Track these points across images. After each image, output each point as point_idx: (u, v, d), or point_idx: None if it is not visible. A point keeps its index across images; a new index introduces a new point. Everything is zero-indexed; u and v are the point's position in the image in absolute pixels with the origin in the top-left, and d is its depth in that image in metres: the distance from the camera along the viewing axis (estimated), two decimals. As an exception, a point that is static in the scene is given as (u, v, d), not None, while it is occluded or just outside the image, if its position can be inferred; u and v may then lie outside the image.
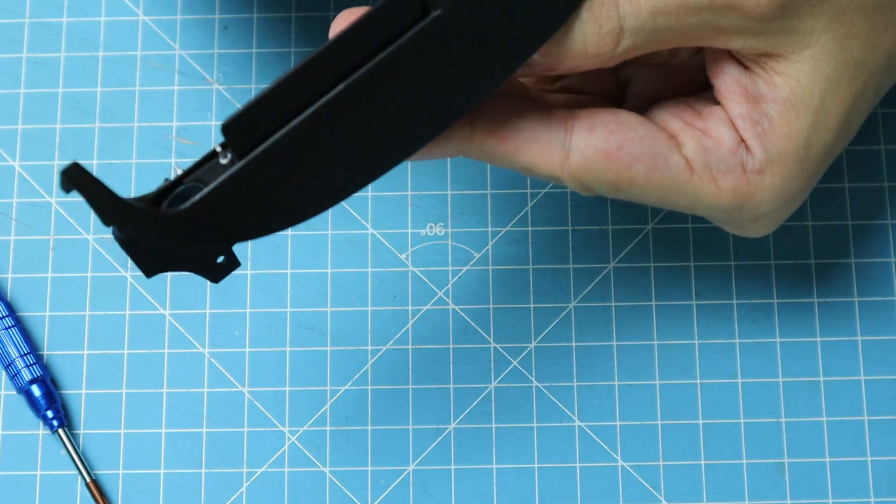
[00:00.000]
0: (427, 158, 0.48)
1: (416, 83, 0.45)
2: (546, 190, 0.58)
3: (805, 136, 0.47)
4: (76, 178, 0.43)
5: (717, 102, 0.49)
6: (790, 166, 0.48)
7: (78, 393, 0.56)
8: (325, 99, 0.45)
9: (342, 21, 0.47)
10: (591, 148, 0.47)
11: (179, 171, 0.46)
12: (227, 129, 0.44)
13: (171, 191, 0.46)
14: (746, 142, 0.47)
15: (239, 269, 0.57)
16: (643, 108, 0.50)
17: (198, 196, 0.45)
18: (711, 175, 0.48)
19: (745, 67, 0.47)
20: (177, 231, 0.45)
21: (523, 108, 0.48)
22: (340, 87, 0.45)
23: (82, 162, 0.58)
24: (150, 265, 0.47)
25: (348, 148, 0.45)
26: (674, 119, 0.48)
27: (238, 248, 0.57)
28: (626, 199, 0.48)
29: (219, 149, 0.45)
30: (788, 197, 0.48)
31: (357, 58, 0.45)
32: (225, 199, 0.45)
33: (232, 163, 0.45)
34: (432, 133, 0.46)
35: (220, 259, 0.48)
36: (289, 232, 0.57)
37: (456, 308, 0.57)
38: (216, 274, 0.48)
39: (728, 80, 0.48)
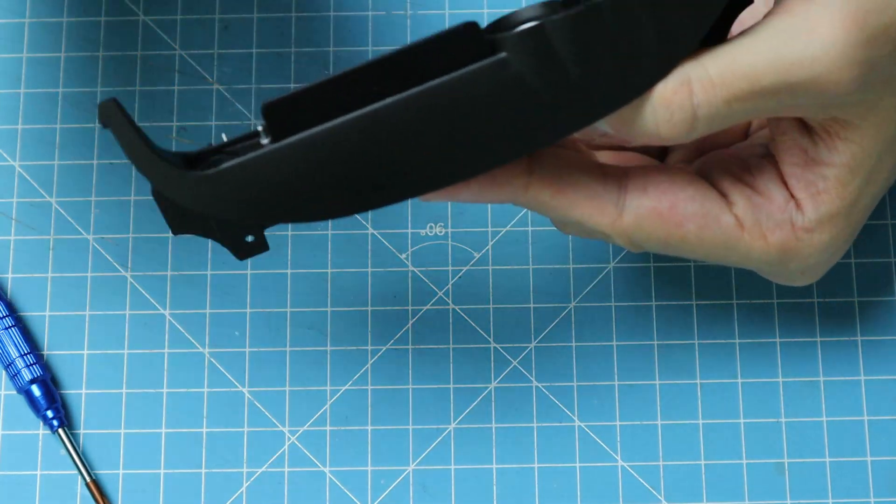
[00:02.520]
0: (478, 202, 0.48)
1: (467, 116, 0.45)
2: (546, 190, 0.58)
3: (857, 194, 0.47)
4: (111, 116, 0.43)
5: (765, 153, 0.49)
6: (839, 223, 0.48)
7: (78, 393, 0.56)
8: (372, 107, 0.44)
9: None
10: (643, 207, 0.47)
11: (225, 139, 0.46)
12: (267, 109, 0.44)
13: (208, 156, 0.46)
14: (798, 200, 0.47)
15: (239, 269, 0.57)
16: (689, 159, 0.51)
17: (225, 165, 0.45)
18: (761, 232, 0.48)
19: (808, 130, 0.47)
20: (198, 194, 0.45)
21: (578, 162, 0.48)
22: (389, 99, 0.44)
23: (84, 162, 0.58)
24: (179, 222, 0.47)
25: (385, 161, 0.45)
26: (723, 174, 0.48)
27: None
28: (675, 254, 0.48)
29: (260, 128, 0.45)
30: (835, 249, 0.49)
31: (414, 76, 0.44)
32: (252, 176, 0.45)
33: (267, 144, 0.45)
34: (474, 169, 0.46)
35: (250, 238, 0.47)
36: (289, 232, 0.57)
37: (456, 308, 0.57)
38: (242, 251, 0.48)
39: (788, 141, 0.47)
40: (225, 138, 0.47)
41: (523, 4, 0.60)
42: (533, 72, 0.44)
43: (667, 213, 0.47)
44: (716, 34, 0.46)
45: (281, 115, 0.44)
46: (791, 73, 0.44)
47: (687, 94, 0.45)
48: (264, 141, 0.45)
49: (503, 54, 0.44)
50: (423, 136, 0.45)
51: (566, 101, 0.45)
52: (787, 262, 0.49)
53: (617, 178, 0.48)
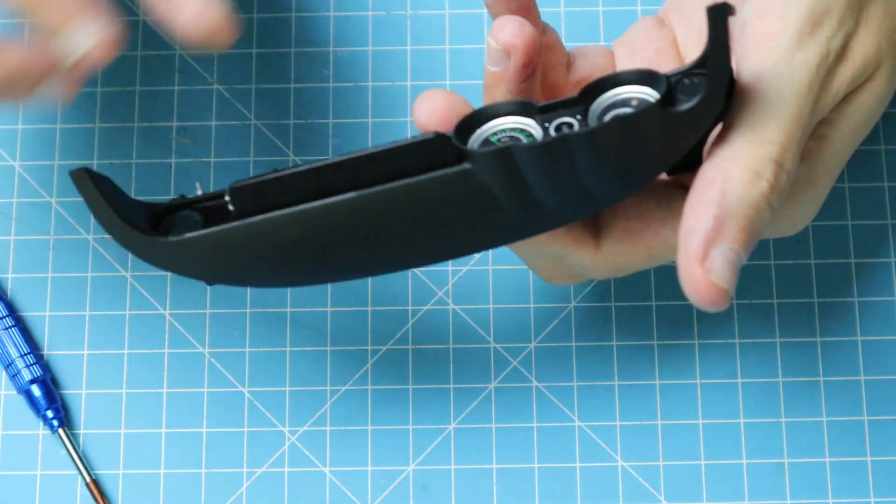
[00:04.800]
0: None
1: (428, 217, 0.46)
2: (546, 190, 0.58)
3: (838, 149, 0.48)
4: (82, 185, 0.46)
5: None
6: (821, 174, 0.48)
7: (78, 393, 0.56)
8: (336, 198, 0.45)
9: (425, 101, 0.47)
10: (616, 230, 0.47)
11: (200, 192, 0.48)
12: (233, 193, 0.46)
13: (177, 209, 0.48)
14: None
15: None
16: None
17: (188, 235, 0.46)
18: None
19: None
20: (162, 257, 0.47)
21: None
22: (353, 193, 0.45)
23: (83, 162, 0.58)
24: (163, 264, 0.48)
25: (344, 248, 0.46)
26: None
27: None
28: (668, 262, 0.48)
29: (227, 197, 0.46)
30: (821, 193, 0.49)
31: (380, 175, 0.45)
32: (214, 247, 0.46)
33: (234, 217, 0.46)
34: (433, 261, 0.48)
35: None
36: (289, 232, 0.58)
37: (456, 308, 0.57)
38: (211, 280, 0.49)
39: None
40: (199, 191, 0.48)
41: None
42: (497, 185, 0.45)
43: (639, 228, 0.47)
44: (690, 156, 0.46)
45: (247, 197, 0.46)
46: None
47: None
48: (231, 208, 0.46)
49: (468, 165, 0.45)
50: (383, 229, 0.46)
51: (528, 211, 0.46)
52: (776, 223, 0.48)
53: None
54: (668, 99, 0.44)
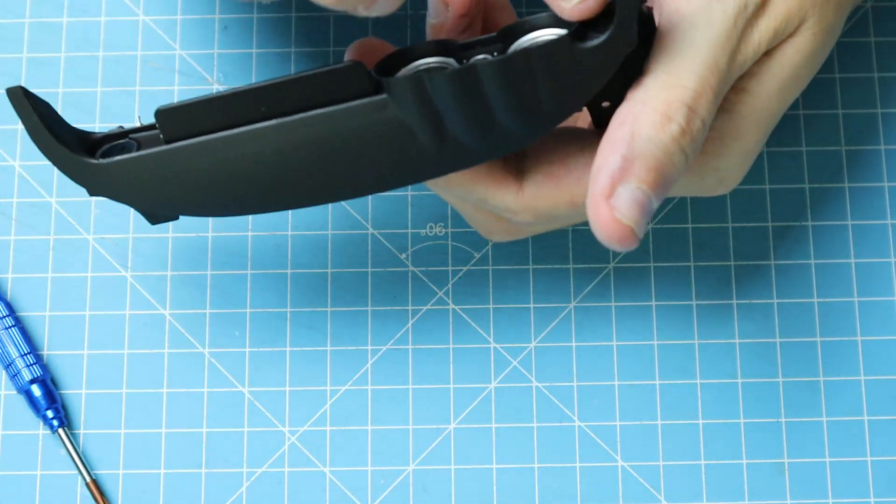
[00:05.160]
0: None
1: (346, 147, 0.46)
2: (546, 190, 0.58)
3: (764, 104, 0.48)
4: (16, 101, 0.47)
5: None
6: (748, 130, 0.48)
7: (78, 393, 0.56)
8: (255, 126, 0.46)
9: (355, 50, 0.48)
10: (539, 174, 0.47)
11: (139, 124, 0.50)
12: (159, 115, 0.47)
13: (113, 139, 0.49)
14: None
15: (239, 269, 0.57)
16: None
17: (116, 158, 0.48)
18: None
19: None
20: (92, 180, 0.48)
21: None
22: (273, 121, 0.46)
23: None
24: (94, 188, 0.49)
25: (264, 175, 0.47)
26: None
27: (237, 250, 0.57)
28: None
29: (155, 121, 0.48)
30: (748, 152, 0.49)
31: (301, 104, 0.46)
32: (141, 171, 0.47)
33: (161, 142, 0.48)
34: (352, 194, 0.48)
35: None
36: (289, 232, 0.57)
37: (456, 308, 0.57)
38: (153, 218, 0.51)
39: None
40: (138, 123, 0.49)
41: (523, 3, 0.60)
42: (412, 117, 0.45)
43: (561, 172, 0.47)
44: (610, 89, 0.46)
45: (173, 121, 0.47)
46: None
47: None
48: (161, 136, 0.48)
49: (384, 96, 0.45)
50: (303, 159, 0.47)
51: (445, 147, 0.46)
52: (701, 177, 0.48)
53: (516, 153, 0.48)
54: (578, 35, 0.44)
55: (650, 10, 0.46)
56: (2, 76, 0.59)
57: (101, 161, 0.48)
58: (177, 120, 0.47)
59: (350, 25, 0.60)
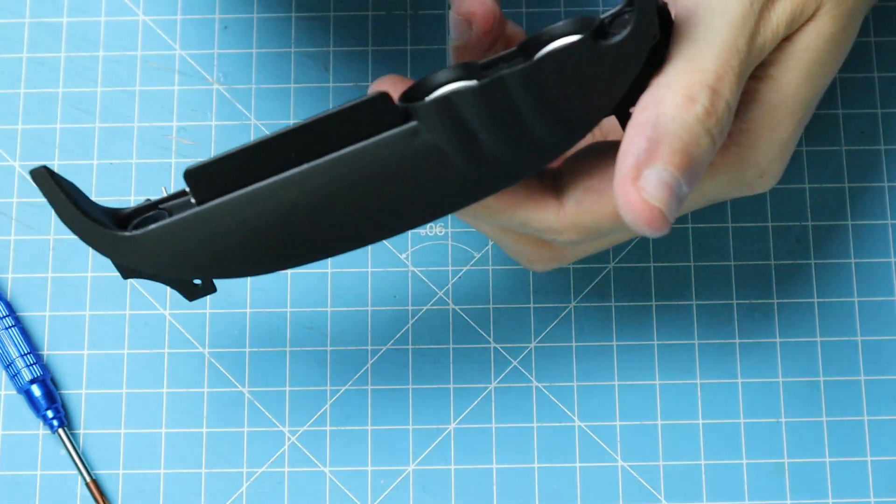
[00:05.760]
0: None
1: (382, 182, 0.45)
2: (546, 190, 0.58)
3: (797, 91, 0.48)
4: (42, 183, 0.46)
5: None
6: (783, 119, 0.48)
7: (78, 393, 0.56)
8: (288, 173, 0.45)
9: (380, 86, 0.48)
10: (579, 189, 0.47)
11: (165, 193, 0.48)
12: (189, 175, 0.45)
13: (144, 212, 0.47)
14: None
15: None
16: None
17: (150, 227, 0.46)
18: None
19: None
20: (126, 253, 0.47)
21: None
22: (305, 166, 0.45)
23: (83, 162, 0.58)
24: (126, 271, 0.48)
25: (303, 223, 0.46)
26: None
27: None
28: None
29: (188, 189, 0.46)
30: (786, 141, 0.48)
31: (330, 144, 0.45)
32: (176, 237, 0.46)
33: (193, 206, 0.46)
34: (393, 231, 0.47)
35: (198, 281, 0.49)
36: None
37: (456, 308, 0.57)
38: (191, 294, 0.49)
39: None
40: (165, 192, 0.48)
41: (523, 8, 0.60)
42: (444, 140, 0.45)
43: (601, 186, 0.47)
44: (632, 92, 0.46)
45: (203, 179, 0.46)
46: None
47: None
48: (193, 200, 0.46)
49: (414, 123, 0.45)
50: (339, 200, 0.46)
51: (481, 167, 0.45)
52: (741, 173, 0.48)
53: (550, 170, 0.48)
54: (599, 34, 0.44)
55: (665, 4, 0.46)
56: (2, 76, 0.59)
57: (135, 233, 0.46)
58: (207, 178, 0.46)
59: (350, 26, 0.60)
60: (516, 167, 0.46)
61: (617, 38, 0.44)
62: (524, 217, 0.47)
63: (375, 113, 0.45)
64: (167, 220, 0.46)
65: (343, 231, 0.46)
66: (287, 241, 0.46)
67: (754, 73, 0.47)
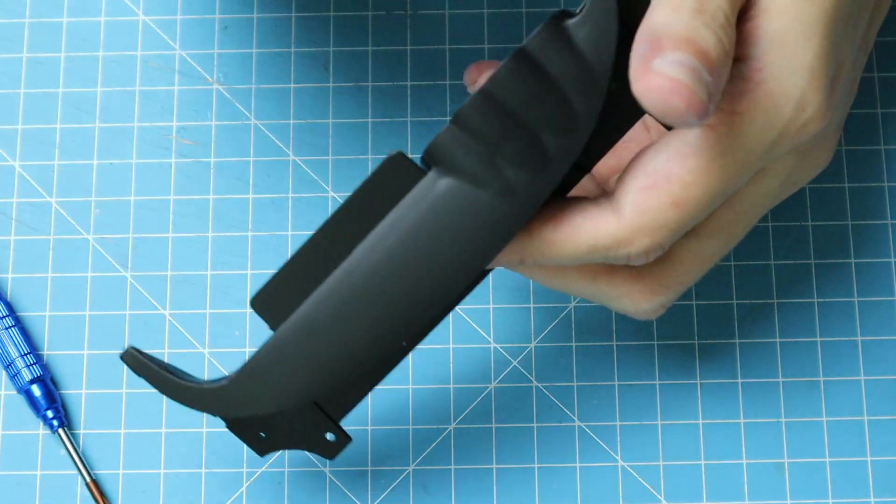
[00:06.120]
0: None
1: (428, 236, 0.45)
2: (546, 190, 0.58)
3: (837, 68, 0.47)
4: (135, 365, 0.48)
5: None
6: (828, 96, 0.46)
7: (78, 393, 0.56)
8: (343, 265, 0.46)
9: (474, 72, 0.49)
10: (632, 191, 0.46)
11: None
12: (254, 304, 0.46)
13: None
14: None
15: (239, 269, 0.57)
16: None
17: (241, 368, 0.47)
18: None
19: None
20: (229, 402, 0.47)
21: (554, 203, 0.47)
22: (355, 252, 0.46)
23: (84, 162, 0.58)
24: (262, 445, 0.50)
25: (380, 305, 0.46)
26: None
27: (237, 250, 0.57)
28: (704, 215, 0.46)
29: (260, 316, 0.47)
30: (839, 110, 0.47)
31: (369, 220, 0.46)
32: (267, 369, 0.47)
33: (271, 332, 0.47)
34: (456, 283, 0.46)
35: (330, 437, 0.50)
36: (289, 232, 0.57)
37: (456, 308, 0.57)
38: (329, 451, 0.50)
39: None
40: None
41: (523, 8, 0.60)
42: (464, 174, 0.45)
43: (649, 181, 0.45)
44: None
45: (270, 304, 0.46)
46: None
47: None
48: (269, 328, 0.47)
49: (432, 169, 0.45)
50: (399, 271, 0.46)
51: (512, 191, 0.45)
52: (777, 111, 0.46)
53: (595, 184, 0.47)
54: (564, 16, 0.44)
55: None
56: (2, 76, 0.59)
57: (231, 375, 0.47)
58: (273, 301, 0.46)
59: (350, 26, 0.60)
60: (543, 178, 0.45)
61: (581, 14, 0.44)
62: (588, 238, 0.46)
63: (396, 173, 0.45)
64: (254, 356, 0.47)
65: (414, 301, 0.46)
66: (370, 329, 0.46)
67: (746, 13, 0.46)
